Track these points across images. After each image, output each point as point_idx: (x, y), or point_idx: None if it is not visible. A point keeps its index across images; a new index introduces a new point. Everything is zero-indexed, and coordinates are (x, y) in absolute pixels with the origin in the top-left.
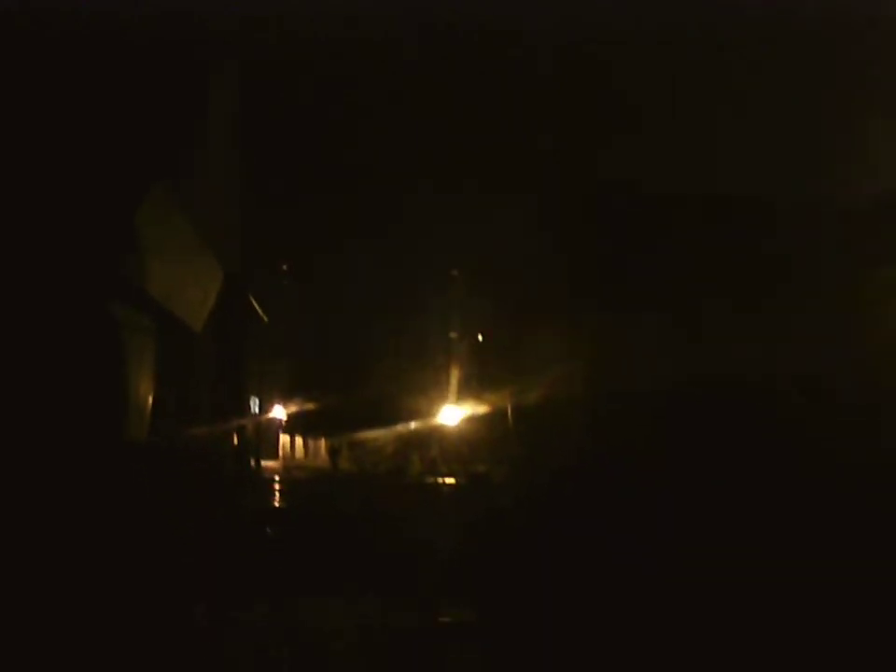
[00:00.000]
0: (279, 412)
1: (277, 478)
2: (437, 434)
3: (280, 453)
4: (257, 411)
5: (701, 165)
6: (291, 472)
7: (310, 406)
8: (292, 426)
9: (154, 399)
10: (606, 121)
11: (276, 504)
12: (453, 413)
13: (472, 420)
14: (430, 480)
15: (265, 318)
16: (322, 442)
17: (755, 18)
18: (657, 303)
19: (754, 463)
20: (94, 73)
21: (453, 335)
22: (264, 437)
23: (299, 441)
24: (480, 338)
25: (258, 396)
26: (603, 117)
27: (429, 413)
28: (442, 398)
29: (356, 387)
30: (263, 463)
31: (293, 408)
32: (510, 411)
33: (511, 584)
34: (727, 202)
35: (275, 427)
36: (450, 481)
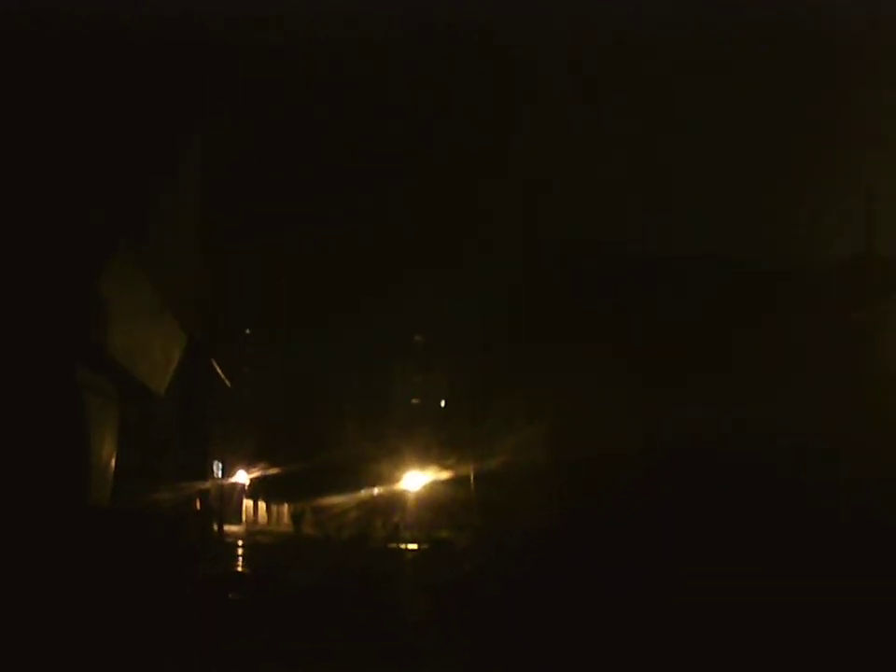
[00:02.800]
0: (242, 476)
1: (240, 542)
2: (400, 500)
3: (243, 517)
4: (220, 475)
5: (666, 228)
6: (254, 537)
7: (273, 471)
8: (255, 490)
9: (116, 462)
10: (570, 184)
11: (239, 569)
12: (416, 479)
13: (435, 486)
14: (393, 545)
15: (228, 383)
16: (285, 507)
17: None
18: (619, 368)
19: (717, 524)
20: (64, 143)
21: (415, 401)
22: (227, 501)
23: (262, 505)
24: (442, 404)
25: (221, 460)
26: (566, 180)
27: (392, 478)
28: (405, 464)
29: (319, 453)
30: (226, 527)
31: (256, 472)
32: (472, 477)
33: (475, 648)
34: (691, 264)
35: (239, 491)
36: (413, 546)
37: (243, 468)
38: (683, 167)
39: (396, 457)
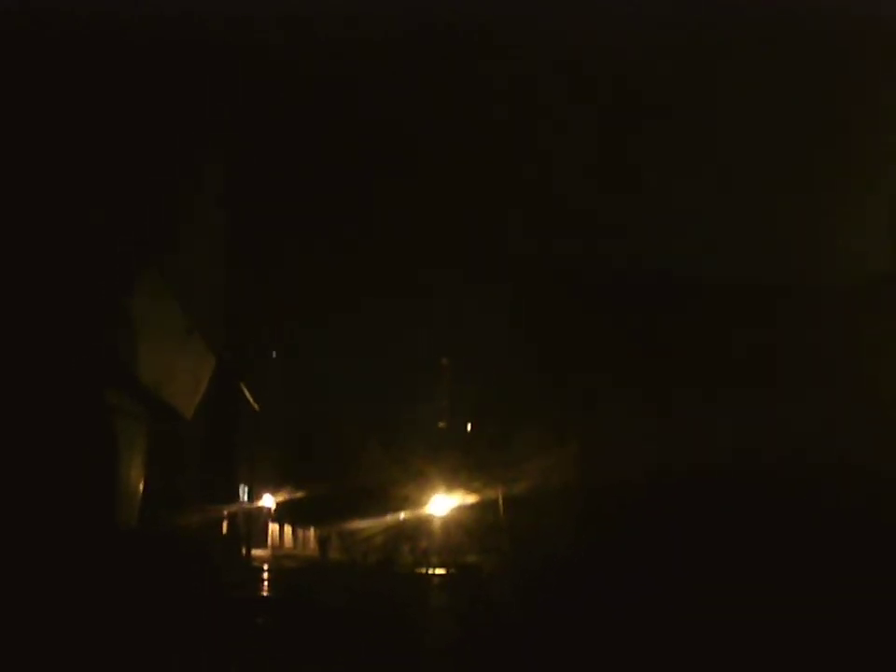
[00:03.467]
0: (268, 500)
1: (266, 566)
2: (427, 524)
3: (269, 541)
4: (246, 499)
5: (692, 251)
6: (281, 561)
7: (299, 495)
8: (281, 514)
9: (144, 485)
10: (591, 209)
11: (265, 594)
12: (443, 503)
13: (462, 510)
14: (421, 570)
15: (256, 406)
16: (311, 532)
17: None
18: (648, 391)
19: (746, 547)
20: (87, 163)
21: (442, 424)
22: (253, 525)
23: (288, 529)
24: (469, 427)
25: (247, 484)
26: (586, 205)
27: (419, 502)
28: (432, 487)
29: (345, 476)
30: (252, 551)
31: (282, 496)
32: (500, 500)
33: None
34: (716, 287)
35: (265, 515)
36: (440, 571)
37: (269, 491)
38: (705, 181)
39: (422, 481)
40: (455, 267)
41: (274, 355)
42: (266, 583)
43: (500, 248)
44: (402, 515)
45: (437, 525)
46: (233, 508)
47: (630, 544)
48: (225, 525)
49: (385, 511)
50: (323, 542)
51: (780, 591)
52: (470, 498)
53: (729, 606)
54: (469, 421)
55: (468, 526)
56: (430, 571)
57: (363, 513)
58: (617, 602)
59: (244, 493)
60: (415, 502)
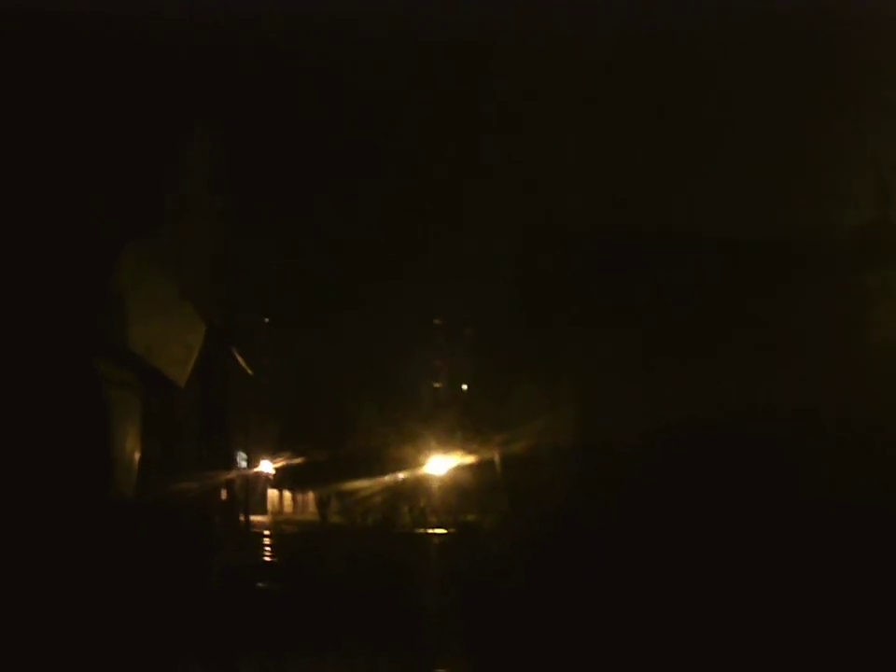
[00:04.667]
0: (266, 466)
1: (266, 532)
2: (425, 485)
3: (268, 507)
4: (244, 465)
5: (683, 203)
6: (280, 526)
7: (297, 459)
8: (280, 479)
9: (140, 455)
10: (583, 163)
11: (266, 559)
12: (440, 464)
13: (460, 470)
14: (420, 530)
15: (249, 372)
16: (310, 496)
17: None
18: (646, 349)
19: (746, 506)
20: (75, 127)
21: (437, 385)
22: (252, 491)
23: (287, 494)
24: (465, 387)
25: (244, 450)
26: (582, 159)
27: (417, 463)
28: (429, 448)
29: (342, 439)
30: (252, 517)
31: (280, 462)
32: (497, 460)
33: (503, 634)
34: (710, 240)
35: (263, 481)
36: (439, 531)
37: (267, 457)
38: (688, 141)
39: (419, 442)
40: (449, 226)
41: (267, 320)
42: (267, 548)
43: (497, 208)
44: (400, 476)
45: (435, 485)
46: (231, 474)
47: (628, 503)
48: (223, 491)
49: (383, 473)
50: (322, 506)
51: (780, 549)
52: (468, 459)
53: (727, 562)
54: (464, 381)
55: (465, 486)
56: (429, 531)
57: (361, 475)
58: (615, 561)
59: (241, 459)
60: (413, 463)
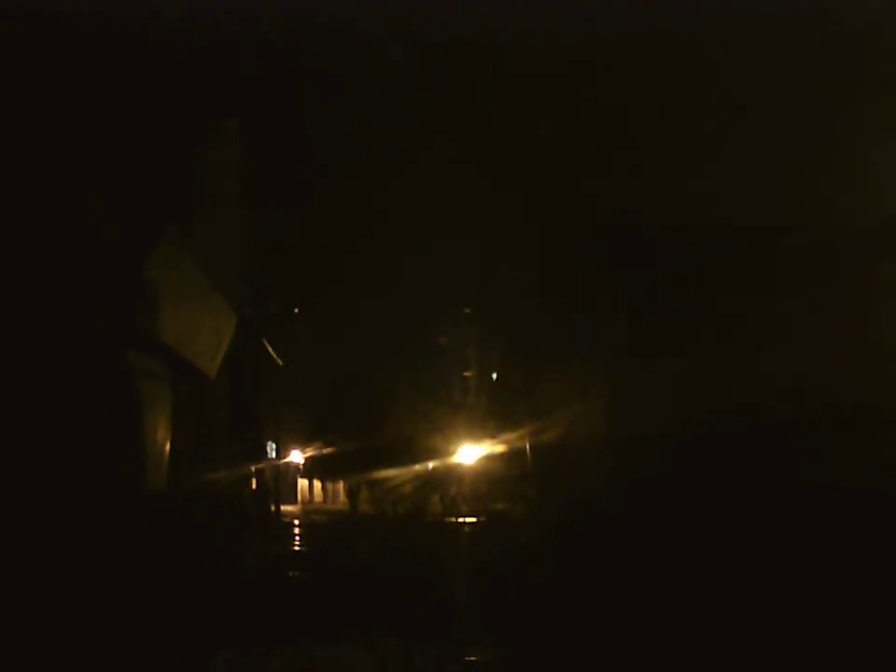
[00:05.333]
0: (296, 456)
1: (297, 521)
2: (455, 473)
3: (299, 497)
4: (274, 455)
5: (710, 196)
6: (310, 516)
7: (327, 449)
8: (310, 469)
9: (171, 445)
10: (620, 155)
11: (297, 548)
12: (471, 453)
13: (490, 459)
14: (450, 519)
15: (280, 362)
16: (340, 485)
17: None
18: (673, 340)
19: (775, 497)
20: (106, 122)
21: (468, 374)
22: (283, 481)
23: (317, 484)
24: (495, 377)
25: (275, 440)
26: (612, 156)
27: (447, 452)
28: (459, 437)
29: (372, 429)
30: (283, 507)
31: (310, 451)
32: (527, 448)
33: (534, 621)
34: (737, 233)
35: (293, 471)
36: (470, 520)
37: (296, 447)
38: (715, 134)
39: (449, 431)
40: (480, 215)
41: (297, 310)
42: (298, 537)
43: (528, 197)
44: (430, 465)
45: (466, 474)
46: (262, 464)
47: (657, 491)
48: (254, 481)
49: (413, 462)
50: (352, 495)
51: (815, 541)
52: (497, 447)
53: (759, 549)
54: (494, 371)
55: (495, 475)
56: (460, 520)
57: (391, 465)
58: (644, 550)
59: (272, 450)
60: (443, 452)
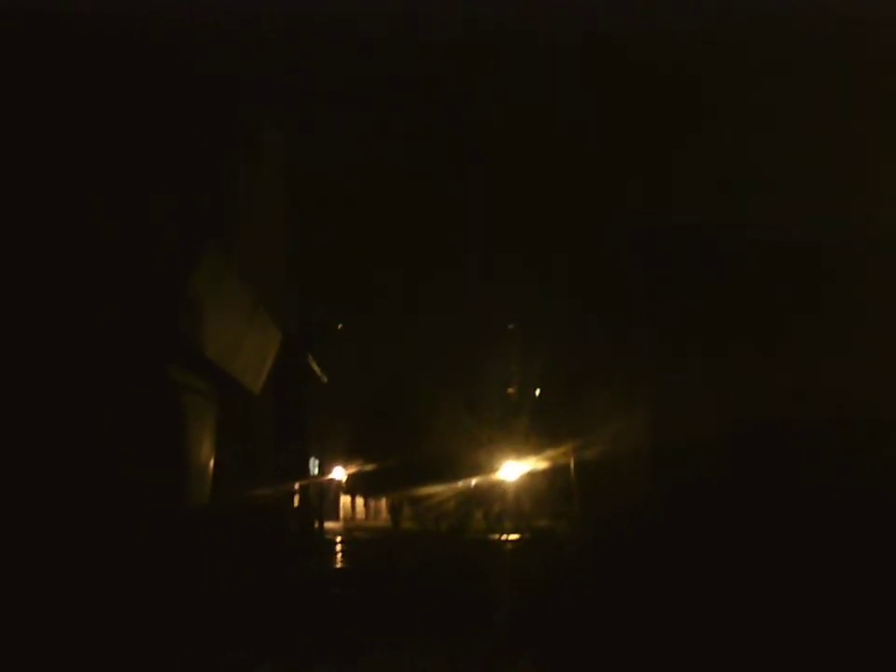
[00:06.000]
0: (339, 472)
1: (339, 538)
2: (498, 490)
3: (341, 513)
4: (317, 472)
5: (752, 212)
6: (353, 533)
7: (370, 466)
8: (352, 486)
9: (216, 460)
10: (655, 176)
11: (339, 565)
12: (514, 469)
13: (533, 476)
14: (493, 536)
15: (325, 379)
16: (382, 502)
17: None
18: (713, 355)
19: (816, 508)
20: (151, 142)
21: (511, 391)
22: (325, 498)
23: (359, 501)
24: (538, 393)
25: (318, 457)
26: (651, 172)
27: (490, 469)
28: (503, 454)
29: (415, 445)
30: (325, 524)
31: (353, 468)
32: (571, 465)
33: (576, 637)
34: (776, 247)
35: (336, 487)
36: (513, 537)
37: (339, 464)
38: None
39: (493, 447)
40: (527, 233)
41: (341, 326)
42: (340, 554)
43: (569, 214)
44: (473, 482)
45: (509, 490)
46: (305, 481)
47: (699, 507)
48: (298, 498)
49: (456, 479)
50: (395, 512)
51: (860, 552)
52: (542, 464)
53: (806, 560)
54: (538, 387)
55: (538, 492)
56: (503, 537)
57: (434, 481)
58: (687, 565)
59: (314, 466)
60: (486, 468)
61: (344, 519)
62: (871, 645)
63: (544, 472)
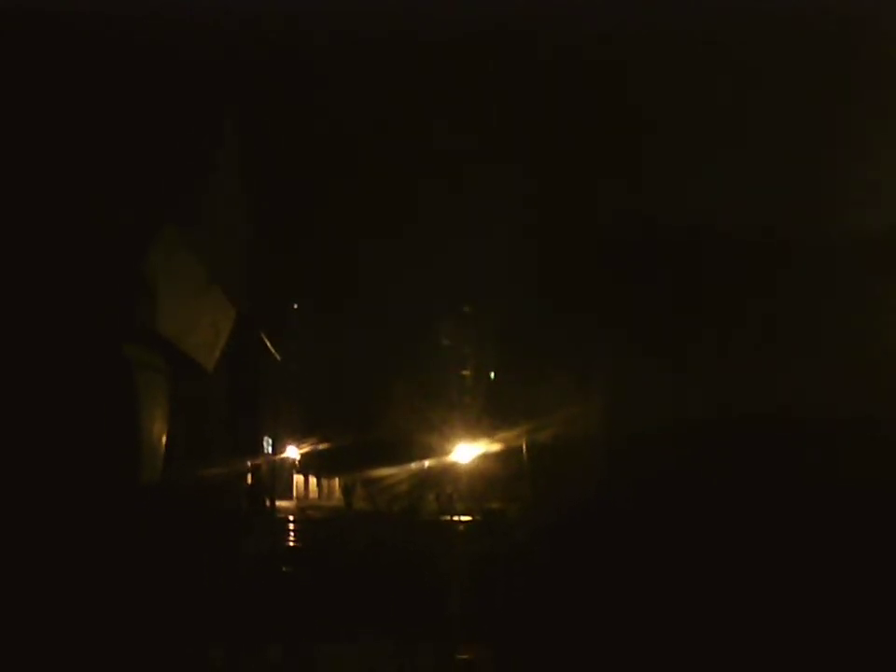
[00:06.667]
0: (292, 451)
1: (292, 517)
2: (451, 472)
3: (294, 492)
4: (270, 450)
5: (711, 201)
6: (306, 512)
7: (323, 445)
8: (306, 465)
9: (168, 438)
10: (612, 158)
11: (292, 544)
12: (467, 452)
13: (486, 458)
14: (445, 518)
15: (277, 357)
16: (336, 482)
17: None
18: (670, 340)
19: (770, 497)
20: (106, 120)
21: (466, 373)
22: (278, 476)
23: (312, 480)
24: (492, 376)
25: (271, 435)
26: (608, 155)
27: (443, 451)
28: (456, 436)
29: (369, 426)
30: (278, 502)
31: (306, 447)
32: (524, 448)
33: (528, 620)
34: (737, 237)
35: (289, 466)
36: (465, 519)
37: (292, 443)
38: (716, 137)
39: (446, 429)
40: (480, 215)
41: (296, 305)
42: (292, 533)
43: (528, 198)
44: (427, 464)
45: (462, 472)
46: (258, 459)
47: (652, 493)
48: (250, 477)
49: (409, 460)
50: (347, 492)
51: (804, 543)
52: (494, 447)
53: (751, 553)
54: (492, 369)
55: (491, 474)
56: (455, 519)
57: (387, 462)
58: (639, 550)
59: (268, 445)
60: (439, 450)
61: (297, 498)
62: (825, 644)
63: (497, 455)
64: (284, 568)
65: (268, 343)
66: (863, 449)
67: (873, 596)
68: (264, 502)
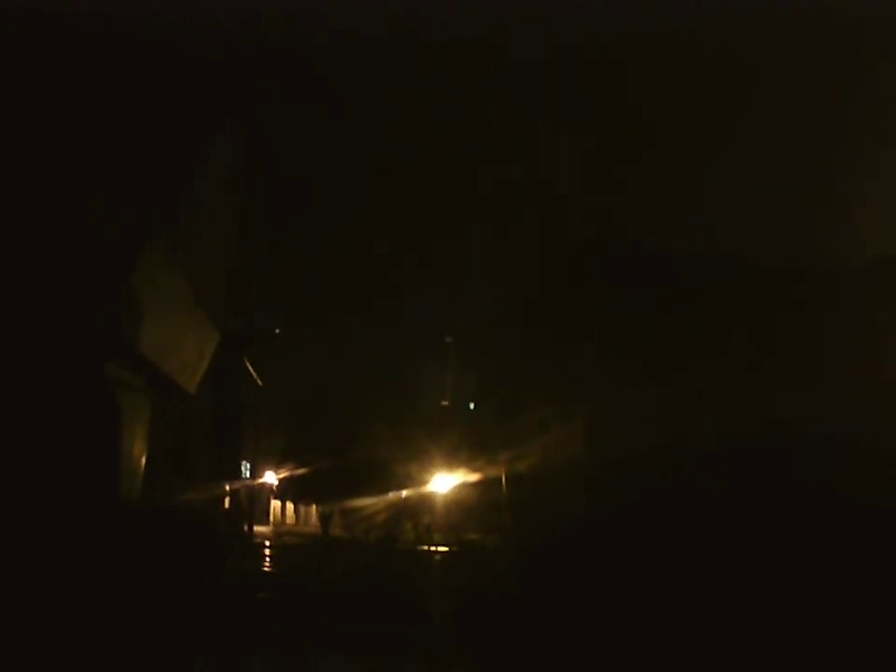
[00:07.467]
0: (271, 476)
1: (269, 542)
2: (429, 502)
3: (271, 517)
4: (248, 475)
5: (696, 225)
6: (283, 538)
7: (301, 471)
8: (284, 491)
9: (147, 460)
10: (594, 183)
11: (268, 569)
12: (445, 481)
13: (465, 488)
14: (422, 547)
15: (260, 382)
16: (313, 508)
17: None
18: (651, 369)
19: (755, 526)
20: (93, 132)
21: (445, 403)
22: (256, 501)
23: (290, 506)
24: (472, 406)
25: (250, 460)
26: (590, 184)
27: (421, 480)
28: (435, 465)
29: (348, 454)
30: (255, 527)
31: (285, 473)
32: (502, 479)
33: (503, 649)
34: (721, 264)
35: (267, 491)
36: (442, 549)
37: (271, 468)
38: (709, 162)
39: (425, 459)
40: (459, 244)
41: (278, 331)
42: (269, 558)
43: (511, 226)
44: (405, 493)
45: (440, 502)
46: (236, 484)
47: (634, 521)
48: (228, 500)
49: (387, 489)
50: (325, 520)
51: (786, 569)
52: (473, 476)
53: (734, 581)
54: (471, 400)
55: (471, 504)
56: (432, 548)
57: (366, 491)
58: (621, 579)
59: (246, 469)
60: (418, 480)
61: (274, 523)
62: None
63: (475, 485)
64: (258, 593)
65: (250, 368)
66: (851, 474)
67: (868, 620)
68: (241, 526)
